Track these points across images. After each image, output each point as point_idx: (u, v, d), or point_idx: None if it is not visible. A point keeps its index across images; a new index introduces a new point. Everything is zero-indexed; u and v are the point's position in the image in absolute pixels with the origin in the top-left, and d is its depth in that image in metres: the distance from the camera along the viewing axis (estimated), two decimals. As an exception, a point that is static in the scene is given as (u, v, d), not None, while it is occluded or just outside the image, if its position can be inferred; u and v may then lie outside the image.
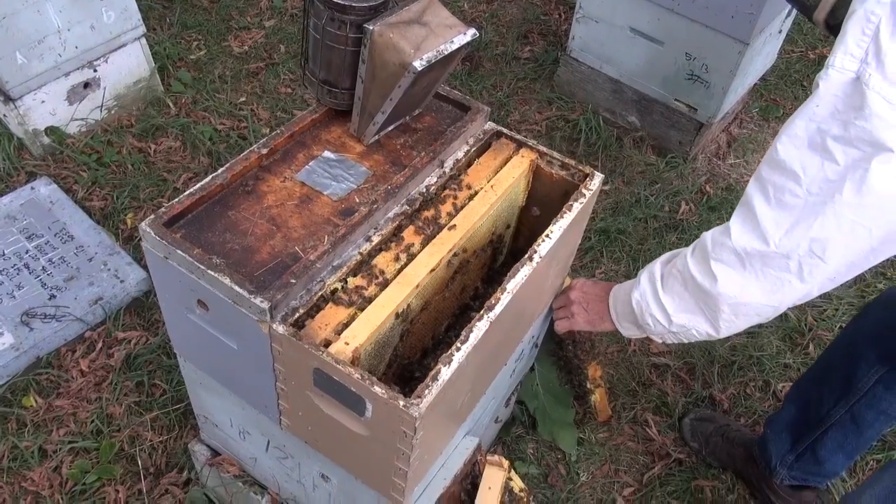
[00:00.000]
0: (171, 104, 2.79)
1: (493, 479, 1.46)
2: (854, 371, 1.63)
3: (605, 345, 2.27)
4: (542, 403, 2.02)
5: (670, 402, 2.15)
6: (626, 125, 2.99)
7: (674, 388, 2.20)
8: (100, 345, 2.07)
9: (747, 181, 2.82)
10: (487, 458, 1.49)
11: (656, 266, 1.35)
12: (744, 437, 1.98)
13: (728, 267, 1.17)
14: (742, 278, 1.17)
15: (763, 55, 2.77)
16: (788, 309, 2.38)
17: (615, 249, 2.54)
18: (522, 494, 1.51)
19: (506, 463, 1.49)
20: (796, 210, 1.08)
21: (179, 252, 1.08)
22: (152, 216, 1.13)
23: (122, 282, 2.14)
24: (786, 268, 1.12)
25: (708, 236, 1.22)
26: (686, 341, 1.35)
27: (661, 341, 1.40)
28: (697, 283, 1.23)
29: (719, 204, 2.72)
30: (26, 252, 2.17)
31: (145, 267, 2.19)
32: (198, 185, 1.19)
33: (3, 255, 2.15)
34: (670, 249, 2.51)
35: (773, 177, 1.10)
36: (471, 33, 1.23)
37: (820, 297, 2.38)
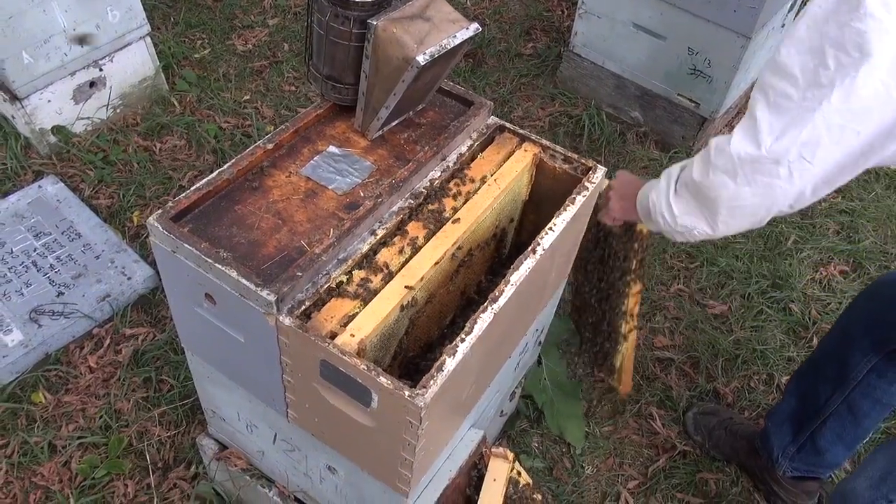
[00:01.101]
0: (175, 103, 2.80)
1: (498, 471, 1.47)
2: (847, 360, 1.64)
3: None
4: (551, 396, 2.03)
5: (675, 395, 2.16)
6: (629, 120, 3.00)
7: (678, 382, 2.20)
8: (108, 341, 2.08)
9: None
10: (492, 450, 1.50)
11: (675, 169, 1.35)
12: (747, 429, 1.98)
13: (723, 173, 1.18)
14: (735, 184, 1.18)
15: (766, 49, 2.78)
16: (792, 302, 2.40)
17: (619, 244, 2.54)
18: (527, 487, 1.53)
19: (511, 455, 1.50)
20: (790, 114, 1.09)
21: (187, 246, 1.10)
22: (160, 211, 1.14)
23: (129, 279, 2.16)
24: (776, 174, 1.13)
25: (713, 142, 1.22)
26: (690, 241, 1.37)
27: (672, 239, 1.42)
28: (698, 186, 1.24)
29: (723, 198, 2.72)
30: (34, 250, 2.19)
31: (152, 264, 2.20)
32: (204, 181, 1.20)
33: (12, 252, 2.17)
34: (673, 244, 2.54)
35: (773, 80, 1.11)
36: (473, 28, 1.24)
37: (824, 290, 2.37)
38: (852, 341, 1.64)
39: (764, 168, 1.13)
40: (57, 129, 2.54)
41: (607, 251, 1.71)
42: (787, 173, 1.12)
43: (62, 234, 2.25)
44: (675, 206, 1.32)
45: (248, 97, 2.89)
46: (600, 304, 1.79)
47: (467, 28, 1.23)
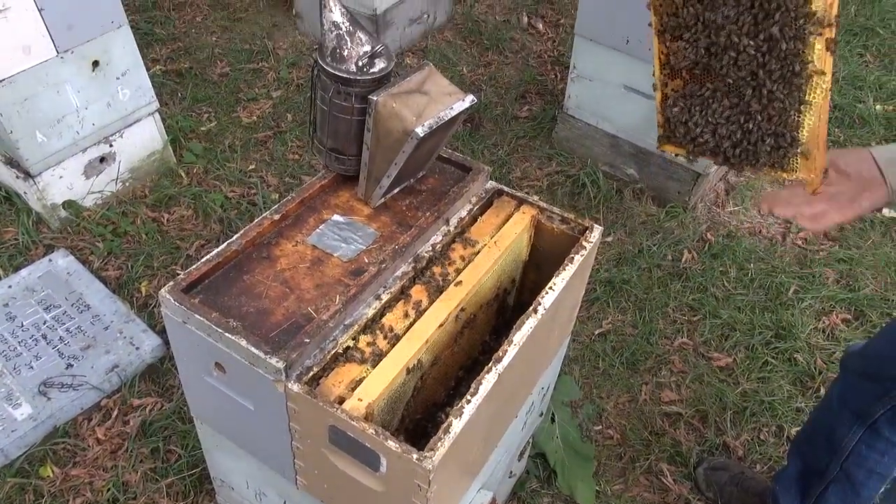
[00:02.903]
0: (183, 174, 2.88)
1: (509, 534, 1.46)
2: (835, 432, 1.65)
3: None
4: (562, 456, 2.02)
5: (684, 450, 2.15)
6: (625, 177, 3.06)
7: (687, 437, 2.19)
8: (115, 412, 2.09)
9: (748, 228, 2.88)
10: (502, 512, 1.49)
11: None
12: (759, 485, 1.96)
13: None
14: None
15: (754, 106, 2.86)
16: (797, 352, 2.41)
17: (621, 299, 2.57)
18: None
19: (521, 516, 1.49)
20: None
21: (197, 316, 1.13)
22: (171, 283, 1.18)
23: (137, 349, 2.18)
24: None
25: None
26: None
27: None
28: None
29: (721, 251, 2.76)
30: (44, 323, 2.22)
31: (160, 333, 2.23)
32: (214, 252, 1.24)
33: (22, 326, 2.20)
34: (675, 298, 2.56)
35: None
36: (469, 100, 1.30)
37: (828, 339, 2.37)
38: (835, 414, 1.65)
39: None
40: (68, 204, 2.61)
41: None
42: None
43: (72, 306, 2.28)
44: None
45: (253, 167, 2.98)
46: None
47: (463, 100, 1.29)
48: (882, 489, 1.66)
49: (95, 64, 2.46)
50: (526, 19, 4.03)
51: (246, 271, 1.25)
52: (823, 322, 2.54)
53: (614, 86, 2.86)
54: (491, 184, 1.51)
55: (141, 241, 2.60)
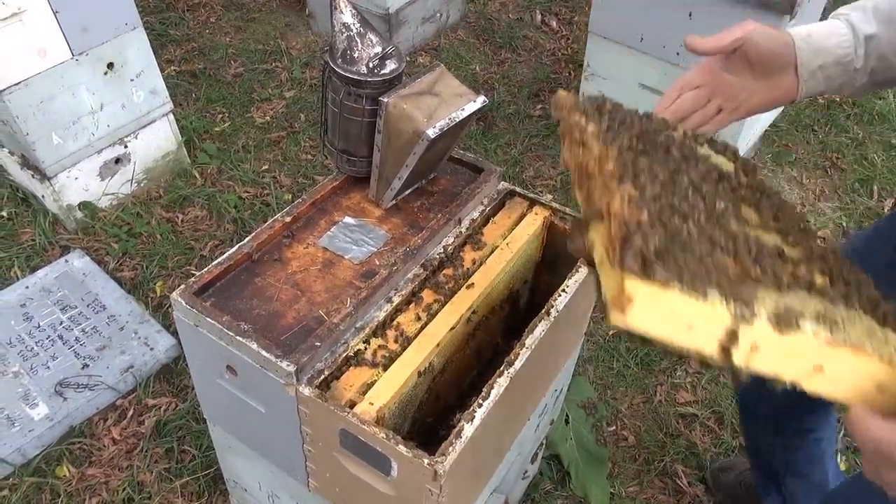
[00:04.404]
0: (197, 175, 2.89)
1: (522, 537, 1.45)
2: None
3: (631, 395, 2.26)
4: (576, 457, 2.01)
5: (700, 451, 2.13)
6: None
7: (702, 439, 2.17)
8: (131, 412, 2.11)
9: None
10: (515, 515, 1.48)
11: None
12: None
13: None
14: None
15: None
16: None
17: (635, 299, 2.54)
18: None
19: (534, 520, 1.48)
20: None
21: (209, 320, 1.13)
22: (183, 286, 1.18)
23: (151, 349, 2.19)
24: None
25: None
26: None
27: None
28: None
29: (738, 250, 2.73)
30: (60, 323, 2.24)
31: (174, 333, 2.24)
32: (225, 255, 1.24)
33: (39, 327, 2.22)
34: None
35: None
36: (480, 100, 1.29)
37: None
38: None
39: None
40: (83, 205, 2.63)
41: None
42: None
43: (87, 306, 2.30)
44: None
45: (266, 167, 2.98)
46: None
47: (474, 101, 1.28)
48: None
49: (110, 66, 2.47)
50: (539, 17, 4.01)
51: (257, 274, 1.25)
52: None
53: (629, 84, 2.84)
54: (503, 185, 1.50)
55: (155, 242, 2.62)
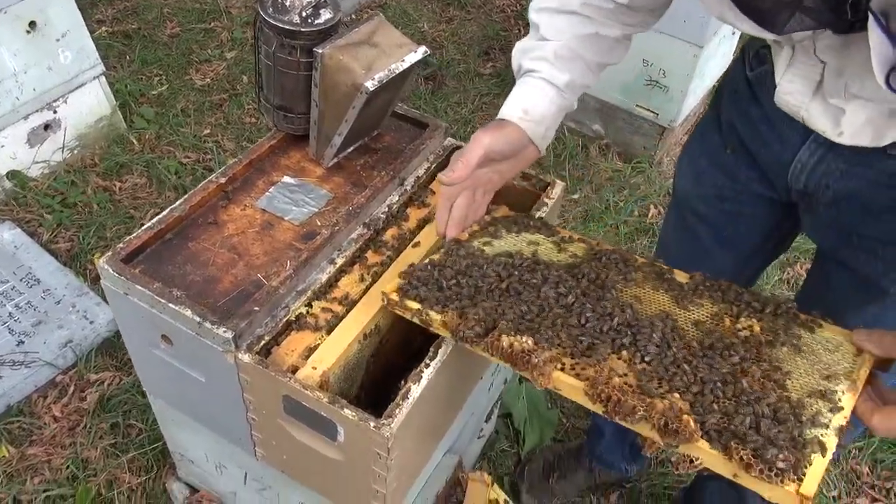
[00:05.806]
0: (134, 141, 2.77)
1: (476, 496, 1.45)
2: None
3: None
4: (526, 418, 2.01)
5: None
6: (591, 133, 3.02)
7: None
8: (72, 388, 2.02)
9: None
10: (469, 474, 1.48)
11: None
12: None
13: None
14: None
15: (719, 56, 2.83)
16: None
17: (588, 257, 2.55)
18: (507, 509, 1.50)
19: (488, 478, 1.48)
20: None
21: (139, 287, 1.07)
22: (109, 253, 1.11)
23: (91, 323, 2.10)
24: None
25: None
26: None
27: None
28: None
29: (687, 205, 2.75)
30: (-9, 299, 2.13)
31: (115, 306, 2.15)
32: (155, 219, 1.18)
33: (-32, 303, 2.11)
34: (643, 253, 2.55)
35: None
36: (421, 51, 1.24)
37: (792, 289, 2.37)
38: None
39: None
40: (12, 174, 2.49)
41: None
42: None
43: (20, 280, 2.19)
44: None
45: (208, 131, 2.87)
46: None
47: (415, 51, 1.23)
48: None
49: (32, 24, 2.32)
50: (488, -27, 3.92)
51: (191, 238, 1.19)
52: (787, 273, 2.56)
53: (578, 39, 2.80)
54: (449, 140, 1.46)
55: (92, 212, 2.50)
